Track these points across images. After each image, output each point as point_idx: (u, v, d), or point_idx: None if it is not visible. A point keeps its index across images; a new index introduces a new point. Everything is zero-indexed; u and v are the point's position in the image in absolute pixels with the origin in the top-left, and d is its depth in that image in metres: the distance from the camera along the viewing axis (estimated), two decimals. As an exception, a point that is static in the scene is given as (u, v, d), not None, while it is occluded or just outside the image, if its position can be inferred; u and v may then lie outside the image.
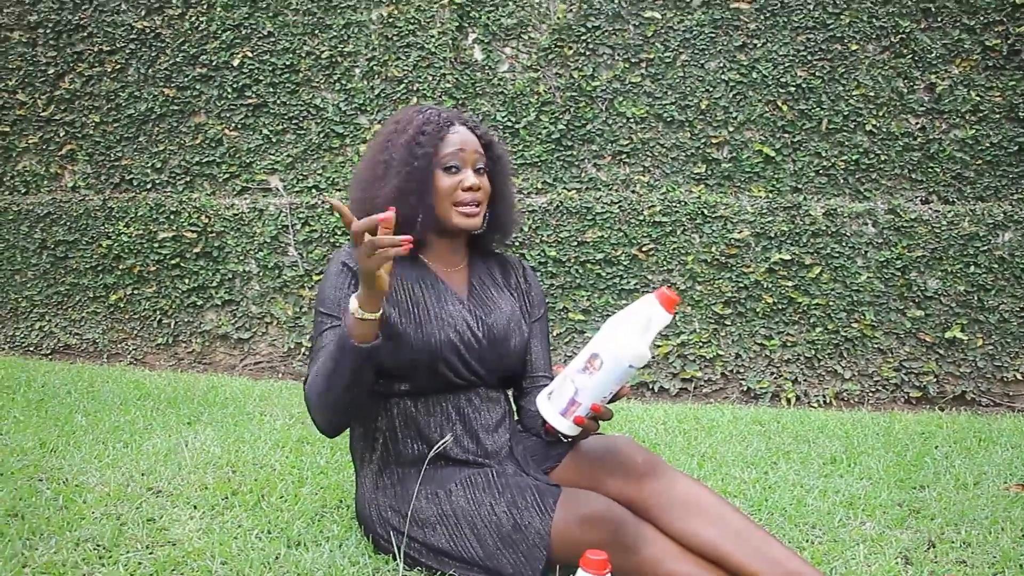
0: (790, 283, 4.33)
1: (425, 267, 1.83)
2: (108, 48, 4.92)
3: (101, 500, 2.09)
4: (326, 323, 1.70)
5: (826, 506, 2.30)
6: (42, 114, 5.05)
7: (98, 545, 1.80)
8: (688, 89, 4.42)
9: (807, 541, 2.04)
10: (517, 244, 4.48)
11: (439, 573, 1.67)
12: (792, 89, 4.34)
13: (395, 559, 1.71)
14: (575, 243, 4.45)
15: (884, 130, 4.31)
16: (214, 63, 4.78)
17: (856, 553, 1.95)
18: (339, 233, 4.64)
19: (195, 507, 2.10)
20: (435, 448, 1.74)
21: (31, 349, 5.09)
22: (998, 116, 4.25)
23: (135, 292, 4.91)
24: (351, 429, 1.87)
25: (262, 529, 1.96)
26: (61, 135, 5.04)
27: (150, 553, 1.79)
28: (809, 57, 4.33)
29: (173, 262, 4.83)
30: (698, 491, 1.63)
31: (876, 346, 4.29)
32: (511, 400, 1.98)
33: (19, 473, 2.31)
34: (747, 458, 2.87)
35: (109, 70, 4.93)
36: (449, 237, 1.84)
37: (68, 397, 3.58)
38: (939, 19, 4.27)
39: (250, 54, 4.74)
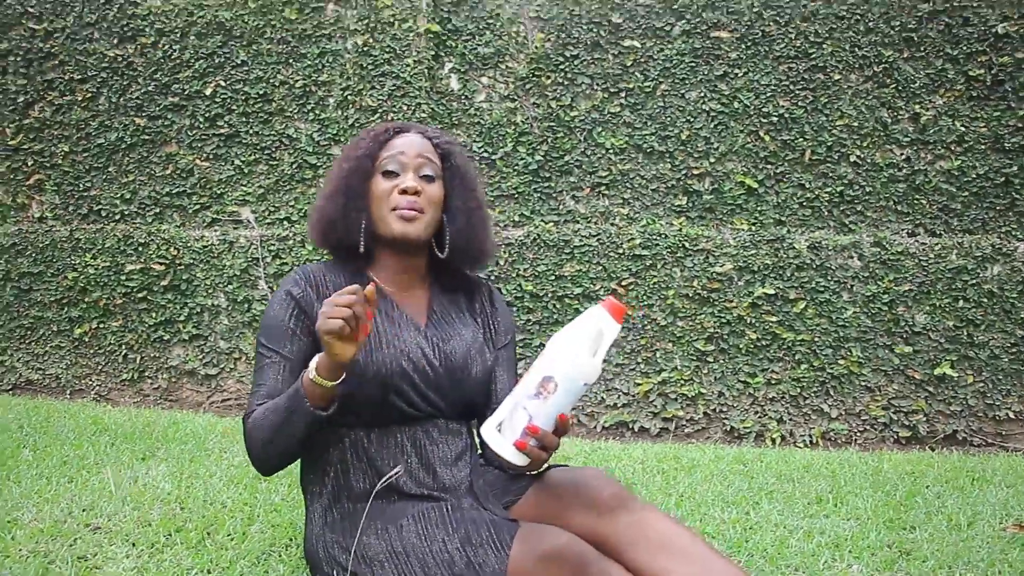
0: (774, 318, 4.21)
1: (381, 291, 1.70)
2: (79, 76, 4.83)
3: (32, 536, 1.95)
4: (266, 357, 1.62)
5: (810, 547, 2.16)
6: (10, 143, 4.93)
7: (18, 587, 1.66)
8: (668, 119, 4.34)
9: (789, 585, 1.90)
10: (492, 277, 4.36)
11: (386, 616, 1.52)
12: (774, 119, 4.27)
13: (340, 601, 1.57)
14: (552, 277, 4.33)
15: (868, 161, 4.23)
16: (186, 92, 4.69)
17: (842, 597, 1.80)
18: (311, 266, 4.51)
19: (134, 544, 1.97)
20: (384, 479, 1.60)
21: (-8, 385, 4.92)
22: (983, 147, 4.18)
23: (101, 326, 4.76)
24: (301, 461, 1.74)
25: (202, 568, 1.84)
26: (29, 164, 4.92)
27: (75, 596, 1.65)
28: (791, 87, 4.27)
29: (140, 295, 4.69)
30: (673, 528, 1.49)
31: (864, 384, 4.17)
32: (474, 433, 1.83)
33: (-52, 509, 2.19)
34: (727, 498, 2.73)
35: (80, 99, 4.83)
36: (399, 253, 1.71)
37: (19, 431, 3.42)
38: (922, 49, 4.22)
39: (223, 83, 4.65)
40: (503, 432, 1.45)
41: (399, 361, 1.61)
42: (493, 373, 1.77)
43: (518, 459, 1.45)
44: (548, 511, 1.57)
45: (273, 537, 2.07)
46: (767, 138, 4.28)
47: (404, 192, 1.63)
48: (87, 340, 4.79)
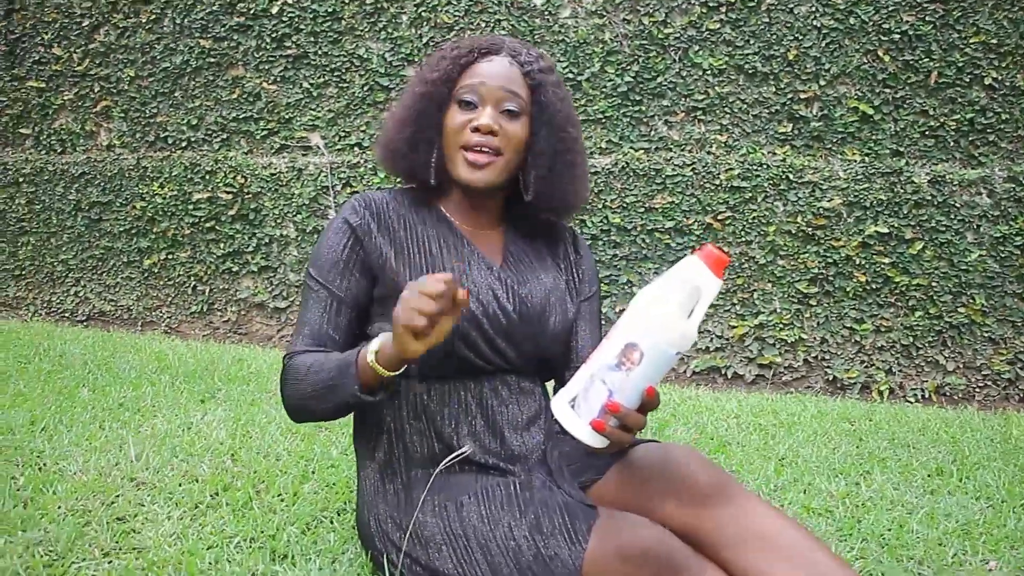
0: (887, 260, 3.82)
1: (450, 225, 1.50)
2: (143, -3, 4.65)
3: (73, 491, 1.86)
4: (314, 290, 1.45)
5: (935, 534, 1.85)
6: (77, 68, 4.81)
7: (50, 550, 1.56)
8: (774, 37, 3.92)
9: (913, 584, 1.62)
10: (576, 211, 4.06)
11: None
12: (896, 37, 3.80)
13: (393, 582, 1.41)
14: (642, 209, 4.02)
15: (1007, 84, 3.74)
16: (252, 11, 4.46)
17: (983, 604, 1.51)
18: (383, 196, 4.29)
19: (176, 504, 1.84)
20: (448, 459, 1.41)
21: (66, 315, 4.88)
22: None
23: (169, 257, 4.65)
24: (354, 417, 1.56)
25: (245, 536, 1.68)
26: (96, 90, 4.79)
27: (108, 562, 1.53)
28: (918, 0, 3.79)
29: (208, 225, 4.55)
30: (779, 522, 1.25)
31: (987, 335, 3.76)
32: (550, 395, 1.60)
33: (-4, 455, 2.12)
34: (834, 465, 2.45)
35: (144, 21, 4.65)
36: (472, 194, 1.51)
37: (82, 368, 3.34)
38: (1076, -47, 3.67)
39: (290, 1, 4.40)
40: (577, 409, 1.22)
41: (468, 303, 1.38)
42: (574, 327, 1.56)
43: (595, 441, 1.22)
44: (633, 496, 1.36)
45: (326, 499, 1.93)
46: (887, 58, 3.82)
47: (477, 130, 1.41)
48: (156, 271, 4.69)
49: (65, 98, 4.86)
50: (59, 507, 1.76)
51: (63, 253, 4.88)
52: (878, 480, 2.28)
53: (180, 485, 1.94)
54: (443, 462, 1.39)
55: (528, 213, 1.54)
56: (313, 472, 2.11)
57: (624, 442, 1.23)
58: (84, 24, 4.77)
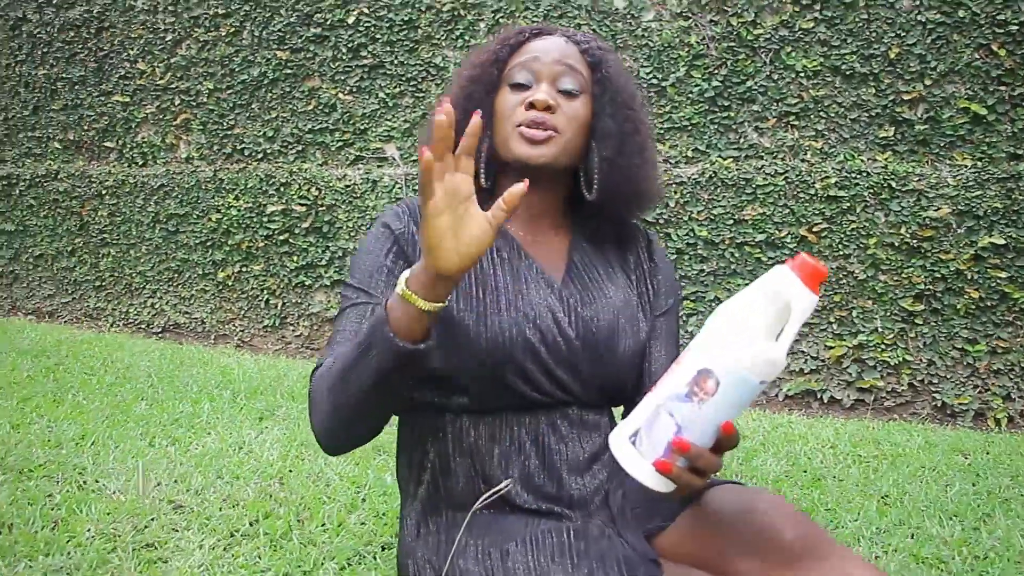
0: (1003, 274, 3.47)
1: (505, 232, 1.30)
2: (223, 11, 4.66)
3: (107, 513, 1.78)
4: (351, 298, 1.24)
5: (1082, 595, 1.58)
6: (159, 82, 4.86)
7: (68, 577, 1.48)
8: (873, 35, 3.63)
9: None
10: (660, 221, 3.83)
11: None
12: (1013, 29, 3.48)
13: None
14: (731, 221, 3.78)
15: None
16: (328, 22, 4.42)
17: None
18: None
19: (213, 531, 1.74)
20: (484, 497, 1.23)
21: (143, 327, 4.91)
22: None
23: (243, 270, 4.62)
24: (397, 452, 1.37)
25: (278, 571, 1.57)
26: (177, 104, 4.83)
27: (127, 594, 1.43)
28: (1037, -11, 3.46)
29: (282, 237, 4.51)
30: None
31: (1120, 358, 3.37)
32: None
33: (37, 471, 2.06)
34: (946, 505, 2.18)
35: (224, 34, 4.66)
36: (529, 188, 1.29)
37: (145, 382, 3.29)
38: None
39: (366, 10, 4.36)
40: (639, 445, 1.02)
41: (523, 329, 1.21)
42: (647, 348, 1.34)
43: (658, 483, 1.02)
44: (706, 549, 1.17)
45: (371, 532, 1.79)
46: (1002, 52, 3.50)
47: (532, 107, 1.22)
48: (230, 284, 4.67)
49: (147, 111, 4.91)
50: (88, 529, 1.68)
51: (141, 265, 4.92)
52: (1001, 525, 2.02)
53: (220, 510, 1.85)
54: (480, 500, 1.21)
55: (595, 213, 1.34)
56: (363, 500, 1.98)
57: (694, 486, 1.02)
58: (167, 39, 4.81)
